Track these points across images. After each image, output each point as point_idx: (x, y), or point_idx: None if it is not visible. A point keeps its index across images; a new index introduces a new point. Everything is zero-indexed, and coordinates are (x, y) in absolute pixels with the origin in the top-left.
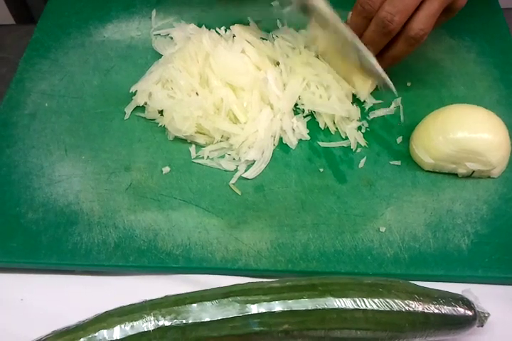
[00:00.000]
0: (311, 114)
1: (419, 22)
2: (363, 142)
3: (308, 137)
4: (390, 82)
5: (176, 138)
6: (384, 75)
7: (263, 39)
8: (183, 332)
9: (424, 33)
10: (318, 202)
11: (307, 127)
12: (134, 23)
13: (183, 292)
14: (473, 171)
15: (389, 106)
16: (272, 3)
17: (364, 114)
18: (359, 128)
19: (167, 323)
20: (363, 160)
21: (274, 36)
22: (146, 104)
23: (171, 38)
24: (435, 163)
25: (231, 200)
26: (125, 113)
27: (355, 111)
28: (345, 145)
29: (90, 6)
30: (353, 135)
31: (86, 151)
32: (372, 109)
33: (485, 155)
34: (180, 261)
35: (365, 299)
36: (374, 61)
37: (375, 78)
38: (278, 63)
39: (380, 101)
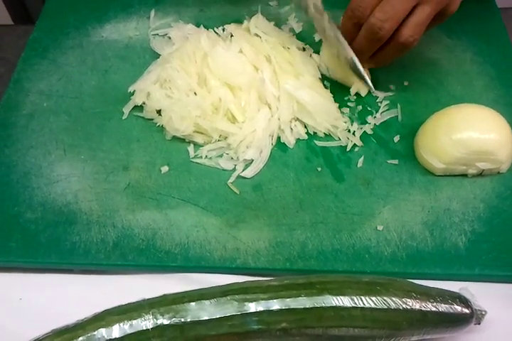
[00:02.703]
0: None
1: (409, 28)
2: (358, 142)
3: (305, 136)
4: (370, 83)
5: (174, 138)
6: (366, 77)
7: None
8: (181, 331)
9: (413, 39)
10: (316, 201)
11: (305, 126)
12: (132, 23)
13: (181, 291)
14: (483, 170)
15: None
16: (269, 2)
17: (363, 115)
18: (352, 130)
19: (165, 322)
20: (360, 160)
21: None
22: (144, 103)
23: (169, 38)
24: (446, 167)
25: (229, 199)
26: (123, 113)
27: (340, 122)
28: (342, 145)
29: (88, 7)
30: (345, 136)
31: (84, 151)
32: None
33: (495, 154)
34: (179, 259)
35: (362, 297)
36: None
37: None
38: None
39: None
